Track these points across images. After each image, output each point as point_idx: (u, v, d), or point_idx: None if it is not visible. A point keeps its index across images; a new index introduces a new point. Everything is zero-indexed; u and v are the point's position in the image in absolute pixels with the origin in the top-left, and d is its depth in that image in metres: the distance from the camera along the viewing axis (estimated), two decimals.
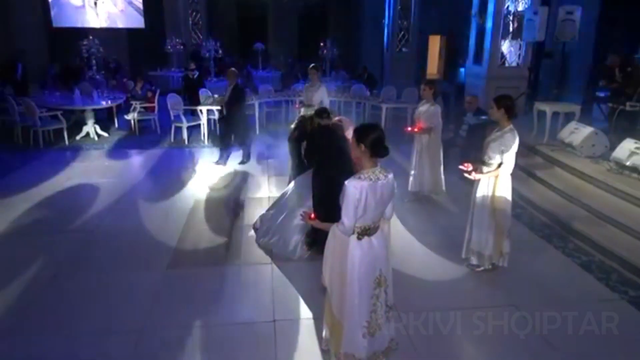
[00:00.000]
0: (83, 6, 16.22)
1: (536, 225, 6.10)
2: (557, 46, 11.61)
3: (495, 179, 4.65)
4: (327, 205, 4.93)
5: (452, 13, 17.78)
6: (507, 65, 10.43)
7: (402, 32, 15.94)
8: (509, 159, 4.55)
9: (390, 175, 3.10)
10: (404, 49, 16.17)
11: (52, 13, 16.62)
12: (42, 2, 16.41)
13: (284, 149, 9.57)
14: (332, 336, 3.36)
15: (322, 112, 5.46)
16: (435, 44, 21.53)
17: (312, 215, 3.30)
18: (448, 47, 20.87)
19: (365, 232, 3.13)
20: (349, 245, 3.14)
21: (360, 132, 3.07)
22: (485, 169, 4.70)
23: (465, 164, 4.82)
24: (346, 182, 3.02)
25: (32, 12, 15.71)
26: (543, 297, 4.47)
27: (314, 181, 5.18)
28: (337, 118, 5.98)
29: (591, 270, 5.05)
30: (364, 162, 3.08)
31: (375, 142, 3.01)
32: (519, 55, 10.30)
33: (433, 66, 21.85)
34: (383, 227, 3.24)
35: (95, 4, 15.69)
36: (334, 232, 3.18)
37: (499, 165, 4.60)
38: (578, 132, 7.06)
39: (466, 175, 4.73)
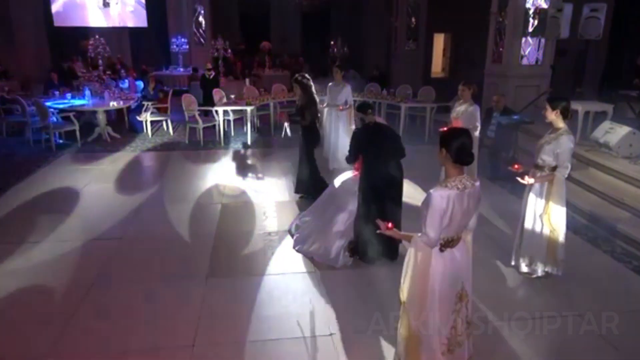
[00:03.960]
0: (88, 6, 15.90)
1: (578, 227, 5.92)
2: (572, 44, 11.53)
3: (550, 183, 4.47)
4: (374, 208, 4.77)
5: (458, 10, 17.62)
6: (527, 63, 10.25)
7: (411, 30, 15.77)
8: (565, 162, 4.37)
9: (477, 183, 2.91)
10: (412, 48, 16.00)
11: (54, 12, 16.30)
12: (44, 1, 16.11)
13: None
14: (408, 352, 3.16)
15: (367, 107, 5.09)
16: (439, 42, 21.37)
17: (390, 225, 3.09)
18: (454, 45, 20.71)
19: (448, 243, 2.94)
20: (431, 258, 2.94)
21: (446, 137, 2.88)
22: (538, 172, 4.52)
23: (516, 166, 4.64)
24: (431, 191, 2.82)
25: (33, 10, 15.39)
26: (605, 305, 4.28)
27: (361, 183, 4.97)
28: None
29: None
30: (447, 168, 2.89)
31: (461, 148, 2.82)
32: (541, 53, 10.11)
33: (437, 65, 21.69)
34: (465, 238, 3.04)
35: (108, 4, 15.38)
36: (415, 243, 2.98)
37: (553, 168, 4.43)
38: (614, 132, 6.90)
39: (518, 179, 4.54)
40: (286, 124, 6.44)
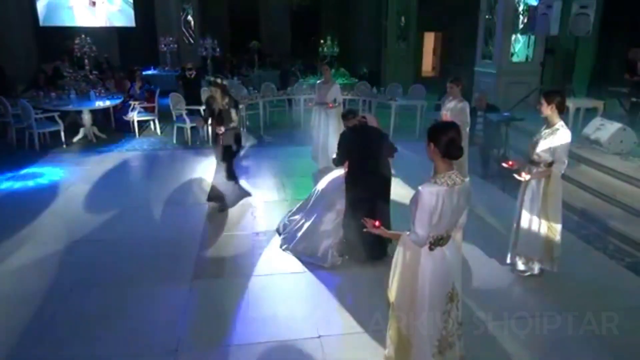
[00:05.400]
0: (74, 5, 15.69)
1: (570, 225, 5.80)
2: (560, 42, 11.52)
3: (547, 178, 4.39)
4: (362, 207, 4.66)
5: (447, 9, 17.59)
6: (516, 60, 10.22)
7: (401, 29, 15.72)
8: (562, 156, 4.29)
9: (467, 179, 2.82)
10: (402, 47, 15.95)
11: (40, 12, 16.05)
12: (29, 1, 15.84)
13: (291, 149, 9.34)
14: (398, 354, 3.06)
15: (348, 114, 5.28)
16: (429, 41, 21.33)
17: (377, 223, 2.99)
18: (443, 44, 20.69)
19: (438, 242, 2.84)
20: (420, 257, 2.85)
21: (434, 131, 2.78)
22: (534, 168, 4.45)
23: (510, 162, 4.58)
24: (420, 188, 2.72)
25: (18, 10, 15.14)
26: (599, 303, 4.20)
27: (348, 183, 4.89)
28: (360, 115, 5.69)
29: (639, 272, 4.84)
30: (437, 163, 2.79)
31: (450, 142, 2.72)
32: (530, 50, 10.10)
33: (428, 64, 21.65)
34: (455, 237, 2.95)
35: (94, 3, 15.19)
36: (404, 242, 2.88)
37: (549, 164, 4.35)
38: (604, 129, 6.86)
39: (515, 175, 4.46)
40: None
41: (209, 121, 6.20)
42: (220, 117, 5.97)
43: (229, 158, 6.23)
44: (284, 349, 3.67)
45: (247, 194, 6.49)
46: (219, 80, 6.08)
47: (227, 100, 6.02)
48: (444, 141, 2.72)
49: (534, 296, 4.45)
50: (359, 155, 4.84)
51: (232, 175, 6.28)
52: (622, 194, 6.02)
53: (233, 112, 6.03)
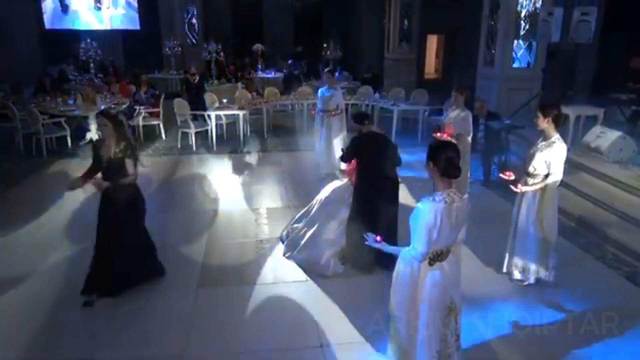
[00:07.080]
0: (79, 9, 15.85)
1: (569, 233, 5.90)
2: (562, 47, 11.57)
3: (542, 190, 4.47)
4: (368, 216, 4.75)
5: (451, 12, 17.62)
6: (518, 66, 10.28)
7: (404, 32, 15.78)
8: (557, 169, 4.37)
9: (466, 196, 2.91)
10: (405, 49, 16.01)
11: (45, 15, 16.21)
12: (35, 5, 15.99)
13: (294, 155, 9.44)
14: None
15: (363, 118, 5.20)
16: (432, 43, 21.38)
17: (378, 238, 3.09)
18: (447, 47, 20.72)
19: (438, 257, 2.93)
20: (419, 272, 2.94)
21: (433, 150, 2.87)
22: (530, 180, 4.52)
23: (507, 173, 4.66)
24: (419, 205, 2.81)
25: (24, 13, 15.28)
26: (599, 313, 4.25)
27: (357, 189, 4.97)
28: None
29: (638, 283, 4.90)
30: (436, 181, 2.88)
31: (448, 162, 2.81)
32: (532, 56, 10.16)
33: (431, 66, 21.71)
34: (455, 251, 3.04)
35: (99, 7, 15.36)
36: (404, 257, 2.97)
37: (545, 176, 4.43)
38: (604, 137, 6.93)
39: (512, 187, 4.55)
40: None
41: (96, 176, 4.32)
42: (109, 169, 4.24)
43: (135, 224, 4.62)
44: (287, 358, 3.76)
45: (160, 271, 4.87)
46: (119, 118, 4.39)
47: (122, 145, 4.22)
48: (443, 160, 2.81)
49: (531, 304, 4.50)
50: (368, 162, 4.92)
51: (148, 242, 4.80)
52: (622, 203, 6.09)
53: (129, 164, 4.23)
